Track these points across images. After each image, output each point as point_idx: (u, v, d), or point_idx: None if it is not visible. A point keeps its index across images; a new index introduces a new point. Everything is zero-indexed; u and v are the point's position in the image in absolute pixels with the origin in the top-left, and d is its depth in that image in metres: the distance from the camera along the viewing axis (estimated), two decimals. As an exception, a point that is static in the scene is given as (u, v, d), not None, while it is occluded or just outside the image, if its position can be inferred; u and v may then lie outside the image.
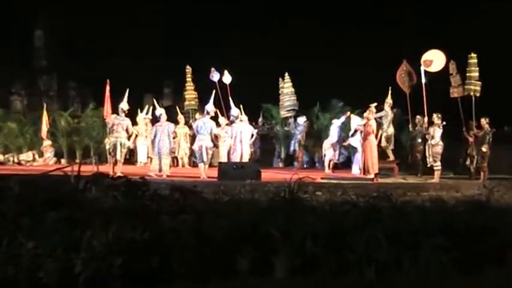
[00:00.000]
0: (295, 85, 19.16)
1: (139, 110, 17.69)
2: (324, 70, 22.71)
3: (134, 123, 15.71)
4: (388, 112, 15.18)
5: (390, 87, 15.33)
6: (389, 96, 15.29)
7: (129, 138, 13.18)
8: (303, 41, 25.57)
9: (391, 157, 14.97)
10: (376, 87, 15.95)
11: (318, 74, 22.87)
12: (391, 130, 15.19)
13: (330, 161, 15.71)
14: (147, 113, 17.47)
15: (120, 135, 12.59)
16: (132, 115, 14.87)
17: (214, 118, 14.17)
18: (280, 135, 19.74)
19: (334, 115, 17.62)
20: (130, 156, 16.93)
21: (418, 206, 4.08)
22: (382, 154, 14.65)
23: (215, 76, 18.36)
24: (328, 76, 22.51)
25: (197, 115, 18.12)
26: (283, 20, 26.47)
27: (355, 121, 14.33)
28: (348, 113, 15.83)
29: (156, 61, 27.03)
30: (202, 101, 14.26)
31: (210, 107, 13.56)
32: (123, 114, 12.85)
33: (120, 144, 12.52)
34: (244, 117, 14.54)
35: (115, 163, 12.48)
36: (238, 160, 13.39)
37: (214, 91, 14.69)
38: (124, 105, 13.00)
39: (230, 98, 15.83)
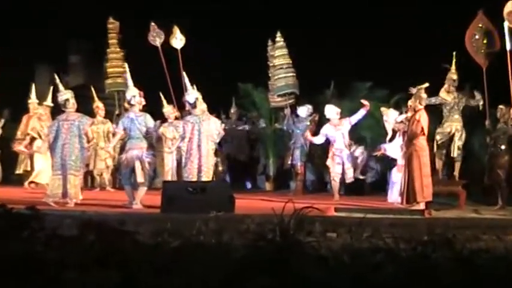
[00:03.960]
0: (293, 53, 19.12)
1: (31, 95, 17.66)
2: (340, 31, 22.61)
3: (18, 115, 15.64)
4: (447, 97, 15.22)
5: (454, 53, 15.44)
6: (453, 66, 15.37)
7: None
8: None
9: (455, 175, 15.04)
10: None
11: (331, 37, 22.77)
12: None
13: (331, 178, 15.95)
14: (36, 98, 17.42)
15: None
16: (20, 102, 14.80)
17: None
18: (267, 137, 19.78)
19: (356, 104, 17.30)
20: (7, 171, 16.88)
21: (500, 257, 4.12)
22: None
23: (158, 37, 18.37)
24: (348, 41, 22.43)
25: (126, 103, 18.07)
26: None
27: (392, 116, 14.43)
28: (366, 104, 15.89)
29: (56, 8, 26.71)
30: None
31: (130, 92, 13.39)
32: None
33: None
34: (204, 105, 14.14)
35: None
36: (195, 178, 13.37)
37: (126, 67, 14.65)
38: None
39: (184, 74, 15.66)
